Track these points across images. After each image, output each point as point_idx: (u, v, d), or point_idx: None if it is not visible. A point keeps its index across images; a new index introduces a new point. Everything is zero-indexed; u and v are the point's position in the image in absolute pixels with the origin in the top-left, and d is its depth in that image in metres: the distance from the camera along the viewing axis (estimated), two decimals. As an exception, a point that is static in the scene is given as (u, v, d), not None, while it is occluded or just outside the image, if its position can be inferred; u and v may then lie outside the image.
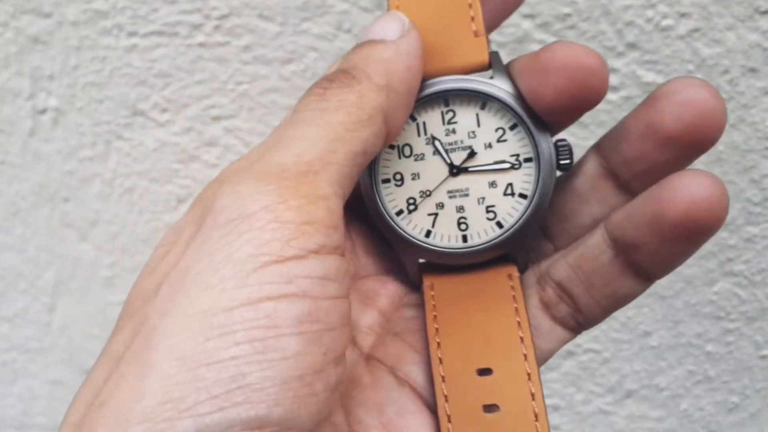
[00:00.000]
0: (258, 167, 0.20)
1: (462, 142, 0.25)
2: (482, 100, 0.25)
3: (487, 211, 0.25)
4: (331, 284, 0.19)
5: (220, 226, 0.19)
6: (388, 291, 0.27)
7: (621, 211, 0.23)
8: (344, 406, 0.23)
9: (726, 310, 0.46)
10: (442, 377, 0.23)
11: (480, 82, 0.25)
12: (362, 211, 0.26)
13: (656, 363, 0.48)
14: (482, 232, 0.25)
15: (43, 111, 0.47)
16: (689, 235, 0.21)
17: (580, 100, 0.23)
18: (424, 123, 0.25)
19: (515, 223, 0.25)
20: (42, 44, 0.45)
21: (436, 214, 0.26)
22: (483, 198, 0.25)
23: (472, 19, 0.25)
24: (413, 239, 0.26)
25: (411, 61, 0.23)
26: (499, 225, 0.25)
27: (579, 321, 0.25)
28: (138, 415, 0.17)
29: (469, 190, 0.25)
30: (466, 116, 0.25)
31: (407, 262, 0.26)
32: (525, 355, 0.23)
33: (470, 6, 0.25)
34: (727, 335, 0.46)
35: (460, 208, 0.25)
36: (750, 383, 0.46)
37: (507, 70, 0.25)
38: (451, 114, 0.25)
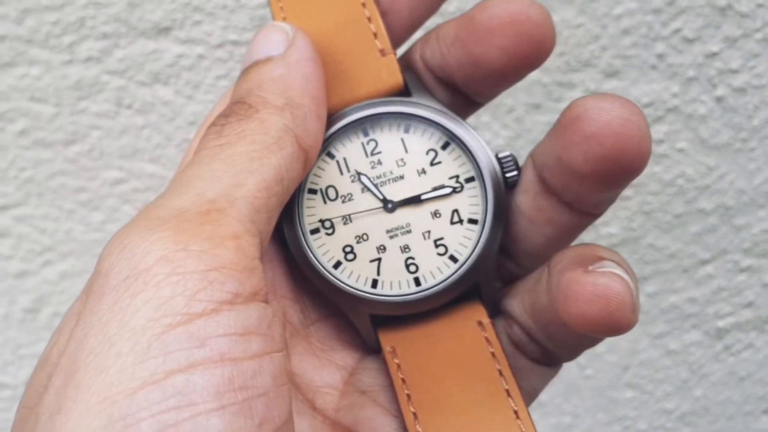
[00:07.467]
0: (151, 214, 0.17)
1: (392, 172, 0.22)
2: (405, 122, 0.22)
3: (436, 246, 0.22)
4: (255, 339, 0.16)
5: (110, 291, 0.16)
6: (345, 337, 0.23)
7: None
8: None
9: (547, 337, 0.47)
10: None
11: (398, 103, 0.22)
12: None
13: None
14: (435, 271, 0.22)
15: None
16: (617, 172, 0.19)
17: (529, 58, 0.20)
18: (344, 159, 0.22)
19: (471, 254, 0.22)
20: None
21: (379, 259, 0.22)
22: (428, 232, 0.22)
23: (375, 35, 0.22)
24: (359, 292, 0.22)
25: (305, 68, 0.21)
26: (453, 259, 0.22)
27: (554, 357, 0.22)
28: None
29: (410, 225, 0.22)
30: (390, 143, 0.22)
31: (356, 320, 0.22)
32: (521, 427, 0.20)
33: (370, 20, 0.22)
34: (551, 361, 0.47)
35: (405, 248, 0.22)
36: (580, 402, 0.48)
37: (421, 57, 0.22)
38: (373, 144, 0.22)
